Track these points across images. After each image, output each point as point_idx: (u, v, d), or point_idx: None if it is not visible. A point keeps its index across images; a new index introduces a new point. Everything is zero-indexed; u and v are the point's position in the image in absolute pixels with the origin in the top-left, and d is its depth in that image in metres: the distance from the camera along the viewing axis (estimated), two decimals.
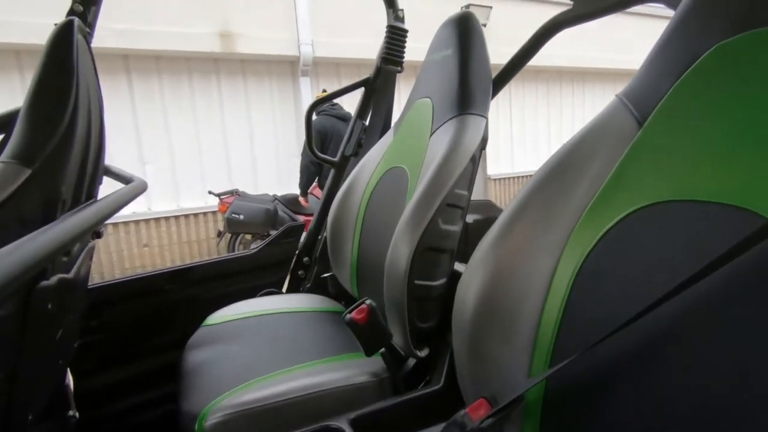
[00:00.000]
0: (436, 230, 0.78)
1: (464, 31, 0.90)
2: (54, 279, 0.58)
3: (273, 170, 4.79)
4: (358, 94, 1.38)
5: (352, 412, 0.73)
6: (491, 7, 5.29)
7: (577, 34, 0.83)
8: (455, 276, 0.87)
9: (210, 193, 4.15)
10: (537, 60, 1.02)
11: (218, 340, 0.96)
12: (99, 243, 4.33)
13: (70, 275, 0.71)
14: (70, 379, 0.97)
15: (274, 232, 1.30)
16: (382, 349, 0.83)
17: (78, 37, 0.68)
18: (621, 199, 0.48)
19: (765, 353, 0.34)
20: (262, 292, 1.26)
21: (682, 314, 0.40)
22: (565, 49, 5.32)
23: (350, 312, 0.75)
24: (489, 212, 1.43)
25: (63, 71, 0.59)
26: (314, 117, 3.40)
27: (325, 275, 1.30)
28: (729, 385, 0.36)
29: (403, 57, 1.32)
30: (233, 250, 4.08)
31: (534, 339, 0.51)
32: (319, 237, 1.37)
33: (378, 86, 1.33)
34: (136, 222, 4.21)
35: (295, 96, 4.79)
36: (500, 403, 0.47)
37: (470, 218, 1.32)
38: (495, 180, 6.12)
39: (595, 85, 6.71)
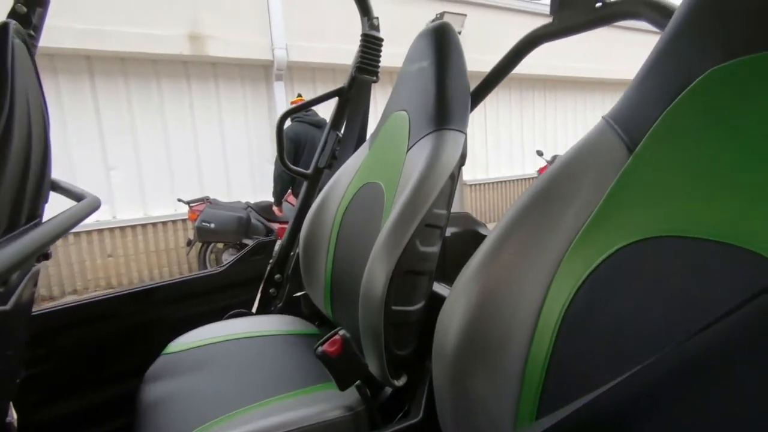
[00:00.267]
0: (414, 252, 0.74)
1: (441, 43, 0.87)
2: None
3: (246, 177, 4.67)
4: (333, 101, 1.33)
5: None
6: (466, 15, 5.34)
7: (549, 45, 0.82)
8: (434, 297, 0.84)
9: (179, 200, 3.99)
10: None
11: (180, 370, 0.89)
12: (59, 253, 4.07)
13: (7, 307, 0.64)
14: (13, 415, 0.88)
15: (247, 241, 1.23)
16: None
17: (15, 41, 0.61)
18: (612, 232, 0.45)
19: None
20: (230, 313, 1.18)
21: (681, 362, 0.37)
22: (538, 58, 5.42)
23: (322, 344, 0.70)
24: (467, 225, 1.40)
25: None
26: (288, 123, 3.33)
27: (298, 294, 1.24)
28: None
29: (379, 66, 1.28)
30: (204, 260, 3.94)
31: (521, 377, 0.48)
32: (292, 253, 1.30)
33: (352, 96, 1.28)
34: (100, 231, 4.00)
35: (269, 101, 4.69)
36: None
37: (448, 232, 1.29)
38: (470, 186, 6.17)
39: (566, 94, 6.89)
